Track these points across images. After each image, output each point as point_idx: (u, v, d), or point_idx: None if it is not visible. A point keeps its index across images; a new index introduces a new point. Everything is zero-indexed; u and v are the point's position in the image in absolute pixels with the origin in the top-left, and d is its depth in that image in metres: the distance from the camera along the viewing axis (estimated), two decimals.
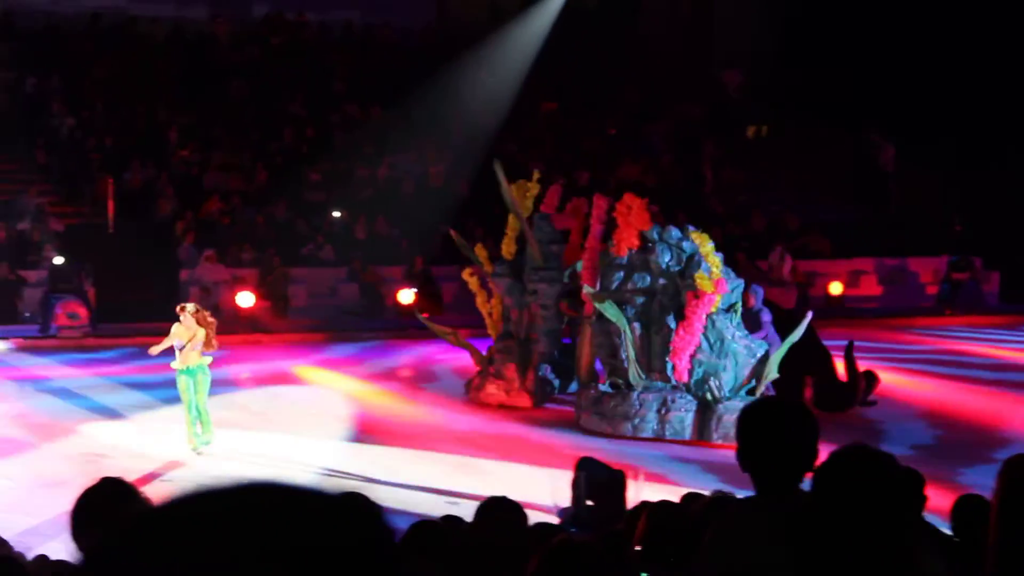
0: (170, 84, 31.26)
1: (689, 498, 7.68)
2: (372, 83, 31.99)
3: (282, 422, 17.89)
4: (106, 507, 4.24)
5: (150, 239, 26.91)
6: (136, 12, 32.84)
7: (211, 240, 27.46)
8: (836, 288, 28.67)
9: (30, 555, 8.23)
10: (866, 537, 3.55)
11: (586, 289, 18.12)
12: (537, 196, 20.33)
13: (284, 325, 25.54)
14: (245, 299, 25.60)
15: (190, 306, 16.08)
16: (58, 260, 25.89)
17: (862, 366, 18.77)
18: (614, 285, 17.99)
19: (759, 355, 17.61)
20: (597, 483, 12.55)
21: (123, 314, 24.95)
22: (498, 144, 30.96)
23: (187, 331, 15.69)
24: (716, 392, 17.36)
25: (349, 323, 26.06)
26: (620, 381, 17.71)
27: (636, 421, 17.36)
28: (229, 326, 25.68)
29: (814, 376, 18.35)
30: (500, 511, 6.20)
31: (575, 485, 12.73)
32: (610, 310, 17.62)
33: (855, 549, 3.55)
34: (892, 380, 20.35)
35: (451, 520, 7.39)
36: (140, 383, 20.11)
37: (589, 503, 12.46)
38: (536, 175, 20.25)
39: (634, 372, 17.59)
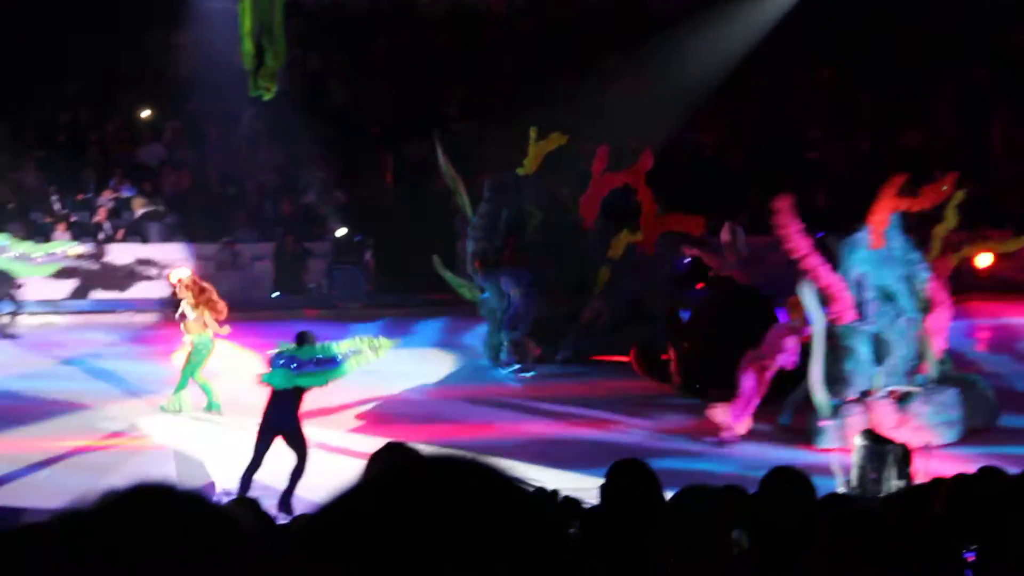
0: (447, 59, 31.68)
1: (987, 472, 7.25)
2: (644, 53, 31.70)
3: None
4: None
5: (427, 211, 27.38)
6: None
7: None
8: None
9: None
10: None
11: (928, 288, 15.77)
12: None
13: None
14: None
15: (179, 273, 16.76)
16: (340, 232, 26.64)
17: None
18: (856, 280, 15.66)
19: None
20: (881, 455, 12.27)
21: (401, 284, 25.53)
22: (774, 111, 30.31)
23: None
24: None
25: None
26: (910, 386, 15.46)
27: (966, 424, 15.36)
28: None
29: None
30: (786, 481, 5.99)
31: (859, 457, 12.47)
32: (909, 305, 15.73)
33: None
34: None
35: (733, 490, 7.17)
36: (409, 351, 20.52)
37: (873, 476, 12.19)
38: (533, 133, 21.17)
39: (938, 369, 15.67)
